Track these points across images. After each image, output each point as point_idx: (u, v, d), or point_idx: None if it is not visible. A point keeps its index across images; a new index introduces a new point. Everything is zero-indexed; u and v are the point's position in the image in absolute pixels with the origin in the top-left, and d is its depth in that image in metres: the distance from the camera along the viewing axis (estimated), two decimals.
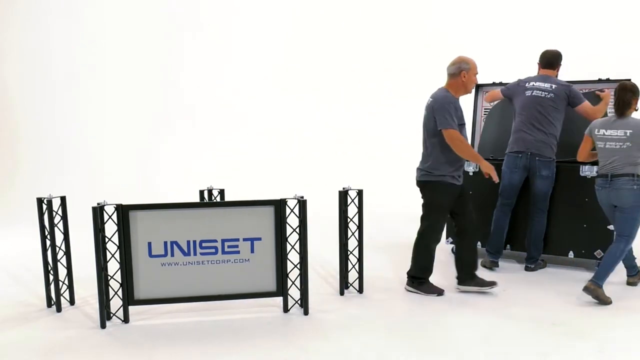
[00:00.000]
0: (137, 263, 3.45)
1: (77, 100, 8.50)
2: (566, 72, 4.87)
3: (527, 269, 4.56)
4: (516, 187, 4.52)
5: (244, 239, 3.53)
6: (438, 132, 3.77)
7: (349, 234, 3.99)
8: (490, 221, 4.70)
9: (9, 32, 8.57)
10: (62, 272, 3.95)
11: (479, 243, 4.83)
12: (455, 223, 4.04)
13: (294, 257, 3.88)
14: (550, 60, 4.58)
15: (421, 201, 3.99)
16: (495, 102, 5.09)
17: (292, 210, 3.56)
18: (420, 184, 3.96)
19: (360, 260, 4.00)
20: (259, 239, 3.55)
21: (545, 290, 4.06)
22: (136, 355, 3.05)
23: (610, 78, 4.92)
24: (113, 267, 3.91)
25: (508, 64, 7.00)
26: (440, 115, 3.74)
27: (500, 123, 5.02)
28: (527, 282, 4.26)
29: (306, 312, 3.61)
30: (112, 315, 3.55)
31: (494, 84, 5.33)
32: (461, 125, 3.82)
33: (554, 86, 4.45)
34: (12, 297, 4.10)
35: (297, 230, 3.57)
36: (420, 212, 4.00)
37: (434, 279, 4.37)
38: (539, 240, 4.51)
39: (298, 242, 3.58)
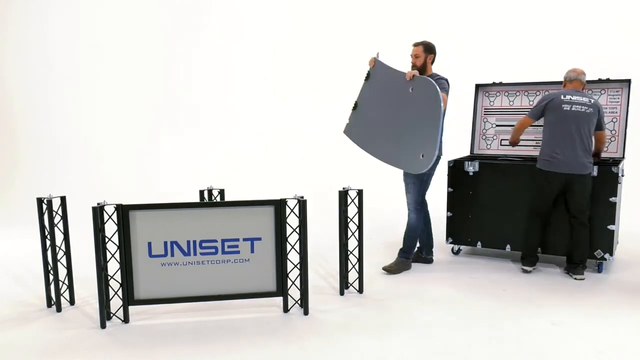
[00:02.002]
0: (137, 263, 3.45)
1: (77, 100, 8.50)
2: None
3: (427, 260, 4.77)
4: None
5: (244, 239, 3.53)
6: (593, 130, 4.26)
7: (349, 234, 3.99)
8: (490, 222, 4.72)
9: (8, 31, 8.57)
10: (62, 272, 3.95)
11: (478, 244, 4.86)
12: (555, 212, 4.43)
13: (294, 257, 3.88)
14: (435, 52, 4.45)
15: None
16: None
17: (292, 210, 3.56)
18: (588, 175, 4.23)
19: (360, 260, 4.00)
20: (259, 239, 3.55)
21: (545, 290, 4.06)
22: (136, 355, 3.05)
23: (610, 78, 4.92)
24: (113, 267, 3.91)
25: (508, 64, 7.01)
26: (604, 119, 4.35)
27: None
28: (526, 282, 4.26)
29: (306, 312, 3.61)
30: (112, 315, 3.55)
31: (493, 84, 5.33)
32: None
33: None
34: (12, 297, 4.10)
35: (297, 230, 3.57)
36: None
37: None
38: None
39: (298, 242, 3.58)
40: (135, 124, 8.39)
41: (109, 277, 3.48)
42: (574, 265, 4.31)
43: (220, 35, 8.29)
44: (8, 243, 5.89)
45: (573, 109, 4.18)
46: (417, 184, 4.40)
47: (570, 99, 4.21)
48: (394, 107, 4.24)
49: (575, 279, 4.26)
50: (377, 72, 4.45)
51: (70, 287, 3.85)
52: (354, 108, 4.50)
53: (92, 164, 8.28)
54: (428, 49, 4.39)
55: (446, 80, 4.29)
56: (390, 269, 4.51)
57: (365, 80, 4.52)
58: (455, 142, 6.48)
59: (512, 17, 7.19)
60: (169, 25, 8.34)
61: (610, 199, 4.33)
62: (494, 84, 5.33)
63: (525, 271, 4.47)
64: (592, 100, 4.23)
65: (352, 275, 4.12)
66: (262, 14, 8.19)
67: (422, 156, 3.98)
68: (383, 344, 3.14)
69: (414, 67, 4.38)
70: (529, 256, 4.48)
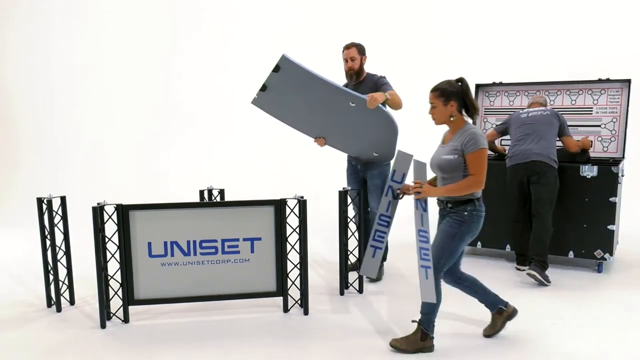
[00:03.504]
0: (137, 263, 3.45)
1: (77, 101, 8.50)
2: (566, 72, 4.87)
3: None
4: None
5: (244, 239, 3.54)
6: (558, 132, 4.48)
7: (349, 234, 3.99)
8: (490, 222, 4.71)
9: (9, 31, 8.57)
10: (62, 272, 3.95)
11: (478, 244, 4.86)
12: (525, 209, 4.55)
13: (294, 257, 3.88)
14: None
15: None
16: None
17: (292, 210, 3.56)
18: (547, 166, 4.32)
19: (360, 260, 4.00)
20: (259, 239, 3.55)
21: (545, 290, 4.06)
22: (136, 355, 3.05)
23: (610, 78, 4.93)
24: (113, 267, 3.91)
25: (508, 64, 7.01)
26: (566, 125, 4.56)
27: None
28: (526, 282, 4.26)
29: (306, 312, 3.61)
30: (112, 315, 3.56)
31: (493, 84, 5.34)
32: None
33: None
34: (12, 297, 4.11)
35: (297, 230, 3.57)
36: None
37: None
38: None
39: (298, 242, 3.58)
40: (135, 124, 8.39)
41: (109, 277, 3.48)
42: (523, 258, 4.55)
43: (221, 34, 8.29)
44: (8, 243, 5.89)
45: (530, 114, 4.55)
46: (379, 190, 4.19)
47: (528, 110, 4.63)
48: (329, 109, 4.03)
49: (523, 270, 4.47)
50: (291, 71, 3.98)
51: (70, 287, 3.85)
52: (263, 89, 4.06)
53: (92, 164, 8.27)
54: (362, 51, 4.27)
55: (384, 77, 4.21)
56: (379, 278, 4.38)
57: (273, 71, 4.00)
58: None
59: (513, 17, 7.19)
60: (170, 26, 8.34)
61: (610, 199, 4.33)
62: (494, 84, 5.34)
63: (519, 269, 4.59)
64: (550, 108, 4.63)
65: (352, 275, 4.12)
66: (263, 13, 8.19)
67: (375, 154, 4.15)
68: (383, 344, 3.14)
69: (350, 70, 4.21)
70: (520, 255, 4.62)
